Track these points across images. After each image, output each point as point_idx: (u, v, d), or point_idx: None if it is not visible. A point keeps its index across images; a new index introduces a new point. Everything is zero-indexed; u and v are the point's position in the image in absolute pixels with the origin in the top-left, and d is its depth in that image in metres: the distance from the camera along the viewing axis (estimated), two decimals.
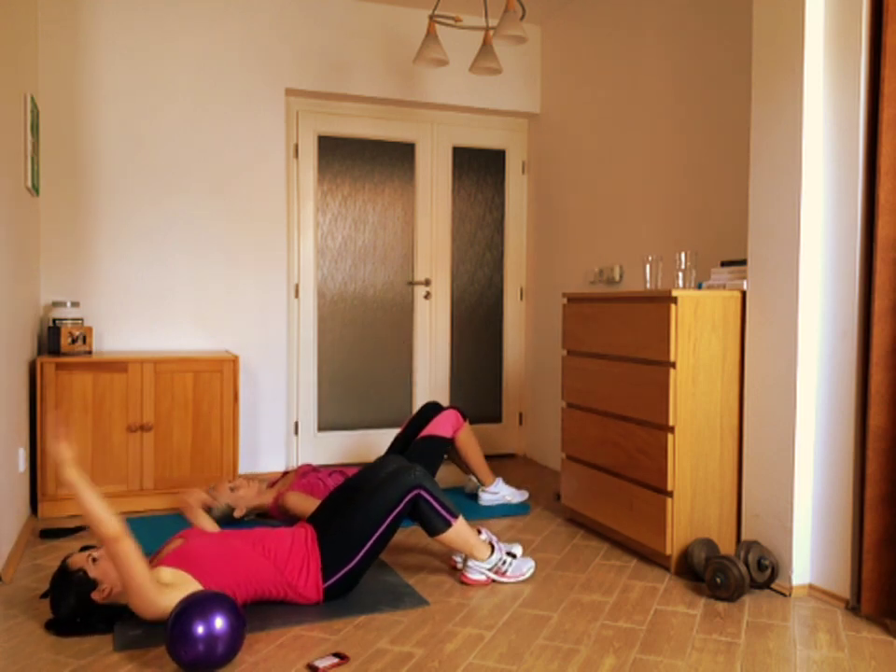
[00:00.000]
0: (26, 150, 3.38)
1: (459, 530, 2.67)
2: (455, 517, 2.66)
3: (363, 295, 4.76)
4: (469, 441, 3.76)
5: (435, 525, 2.63)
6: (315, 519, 2.69)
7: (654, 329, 2.90)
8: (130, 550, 2.17)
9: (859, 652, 2.23)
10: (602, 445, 3.23)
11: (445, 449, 3.70)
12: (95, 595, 2.31)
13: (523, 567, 2.79)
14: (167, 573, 2.32)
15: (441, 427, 3.67)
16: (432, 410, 3.79)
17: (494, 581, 2.76)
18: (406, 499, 2.56)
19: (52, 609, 2.35)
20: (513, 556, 2.79)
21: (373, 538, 2.53)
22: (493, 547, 2.77)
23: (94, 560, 2.35)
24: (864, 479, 2.45)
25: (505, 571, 2.76)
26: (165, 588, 2.25)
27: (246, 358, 4.34)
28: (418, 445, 3.64)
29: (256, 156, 4.33)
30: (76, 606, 2.32)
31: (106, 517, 2.15)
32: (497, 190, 5.06)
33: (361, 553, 2.52)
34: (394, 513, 2.54)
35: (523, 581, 2.78)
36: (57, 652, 2.20)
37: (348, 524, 2.52)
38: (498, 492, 3.82)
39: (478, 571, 2.75)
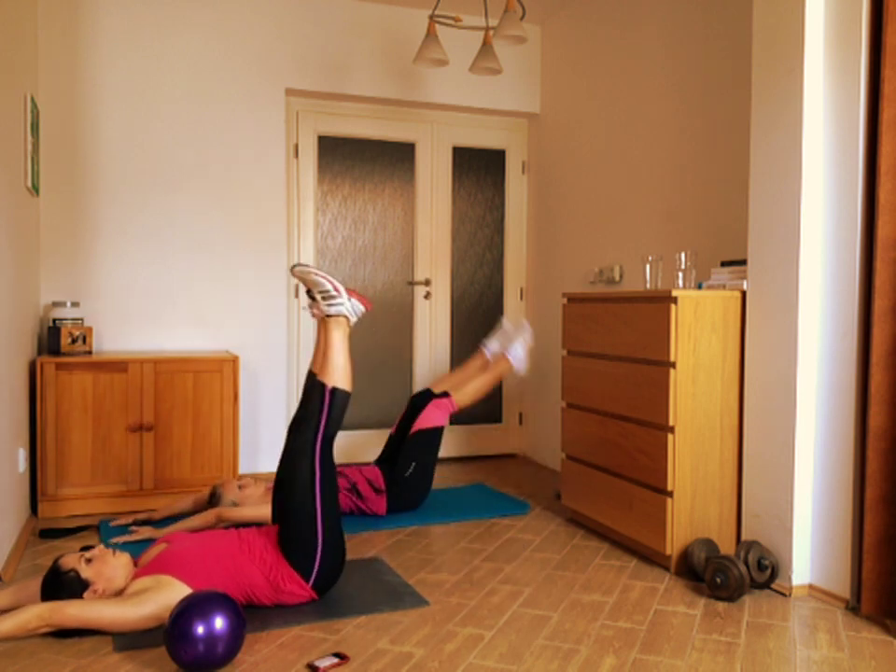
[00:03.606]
0: (26, 150, 3.38)
1: (334, 369, 2.60)
2: (324, 385, 2.58)
3: (363, 295, 4.76)
4: (466, 392, 3.81)
5: (341, 402, 2.59)
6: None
7: (654, 328, 2.90)
8: (63, 613, 2.19)
9: (859, 652, 2.23)
10: (602, 445, 3.23)
11: (439, 438, 3.70)
12: (88, 596, 2.31)
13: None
14: (144, 582, 2.33)
15: (431, 418, 3.67)
16: (420, 400, 3.77)
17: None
18: (317, 461, 2.53)
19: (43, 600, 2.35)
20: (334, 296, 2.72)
21: (318, 515, 2.49)
22: (347, 318, 2.71)
23: (88, 561, 2.35)
24: (864, 479, 2.45)
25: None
26: (140, 596, 2.26)
27: (246, 358, 4.34)
28: (411, 441, 3.64)
29: (256, 156, 4.33)
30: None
31: (22, 622, 2.16)
32: (497, 190, 5.06)
33: (320, 536, 2.49)
34: (318, 481, 2.52)
35: (523, 584, 2.78)
36: (57, 652, 2.20)
37: (289, 516, 2.49)
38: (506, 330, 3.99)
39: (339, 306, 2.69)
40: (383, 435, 4.80)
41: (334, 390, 2.61)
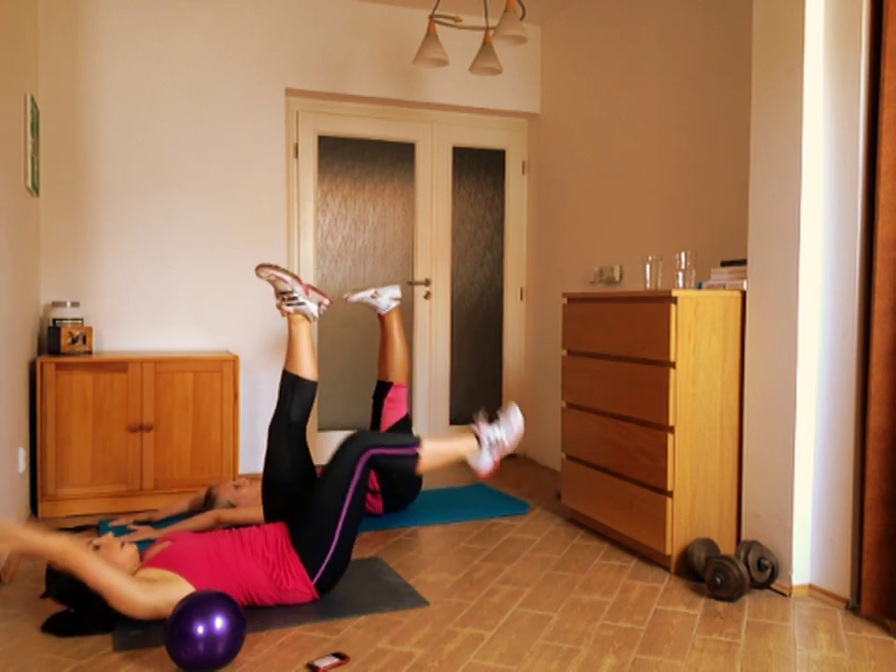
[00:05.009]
0: (26, 150, 3.38)
1: (430, 452, 2.63)
2: (417, 446, 2.61)
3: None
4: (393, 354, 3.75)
5: (407, 465, 2.60)
6: (287, 516, 2.67)
7: (654, 329, 2.90)
8: (84, 560, 2.19)
9: (859, 652, 2.23)
10: (602, 445, 3.23)
11: (409, 429, 3.69)
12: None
13: (513, 425, 2.76)
14: (153, 572, 2.33)
15: (389, 418, 3.66)
16: (377, 399, 3.74)
17: (503, 455, 2.73)
18: (359, 467, 2.53)
19: (48, 590, 2.35)
20: (496, 420, 2.76)
21: (341, 519, 2.50)
22: (476, 435, 2.73)
23: (96, 548, 2.36)
24: (864, 479, 2.45)
25: (502, 440, 2.72)
26: (150, 584, 2.26)
27: (246, 358, 4.34)
28: None
29: (256, 156, 4.33)
30: (68, 587, 2.31)
31: (46, 543, 2.17)
32: (497, 190, 5.06)
33: (336, 539, 2.50)
34: (352, 486, 2.52)
35: (523, 584, 2.78)
36: (57, 652, 2.20)
37: (313, 516, 2.50)
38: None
39: (482, 462, 2.72)
40: None
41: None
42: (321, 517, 2.49)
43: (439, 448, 2.64)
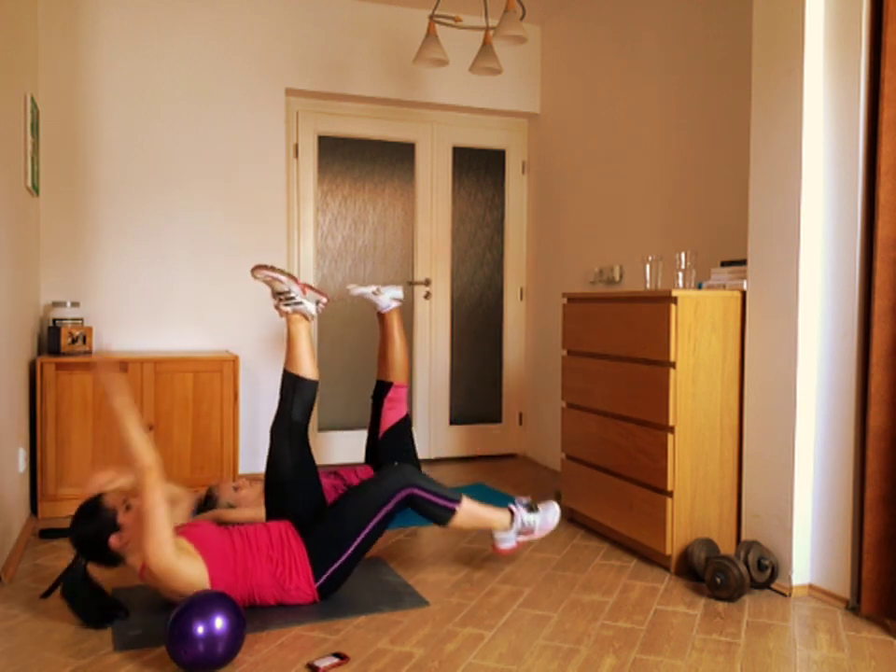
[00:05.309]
0: (26, 150, 3.38)
1: (467, 512, 2.68)
2: (457, 502, 2.66)
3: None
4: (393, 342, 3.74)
5: (440, 516, 2.64)
6: (298, 516, 2.67)
7: (654, 328, 2.90)
8: (158, 487, 2.22)
9: (859, 652, 2.23)
10: (602, 445, 3.23)
11: (407, 429, 3.69)
12: (114, 540, 2.34)
13: (548, 518, 2.81)
14: (183, 542, 2.36)
15: (389, 418, 3.66)
16: (377, 399, 3.74)
17: (527, 541, 2.76)
18: (396, 499, 2.56)
19: (70, 528, 2.38)
20: (535, 509, 2.81)
21: (361, 535, 2.53)
22: (511, 512, 2.78)
23: (128, 508, 2.40)
24: (864, 479, 2.45)
25: (532, 530, 2.78)
26: (180, 549, 2.28)
27: (246, 358, 4.34)
28: (384, 444, 3.64)
29: (256, 156, 4.33)
30: (92, 536, 2.35)
31: (145, 449, 2.22)
32: (497, 190, 5.06)
33: (349, 551, 2.52)
34: (382, 512, 2.55)
35: (523, 584, 2.78)
36: (57, 653, 2.20)
37: (335, 522, 2.52)
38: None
39: (506, 540, 2.76)
40: None
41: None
42: (342, 525, 2.52)
43: (476, 512, 2.71)
